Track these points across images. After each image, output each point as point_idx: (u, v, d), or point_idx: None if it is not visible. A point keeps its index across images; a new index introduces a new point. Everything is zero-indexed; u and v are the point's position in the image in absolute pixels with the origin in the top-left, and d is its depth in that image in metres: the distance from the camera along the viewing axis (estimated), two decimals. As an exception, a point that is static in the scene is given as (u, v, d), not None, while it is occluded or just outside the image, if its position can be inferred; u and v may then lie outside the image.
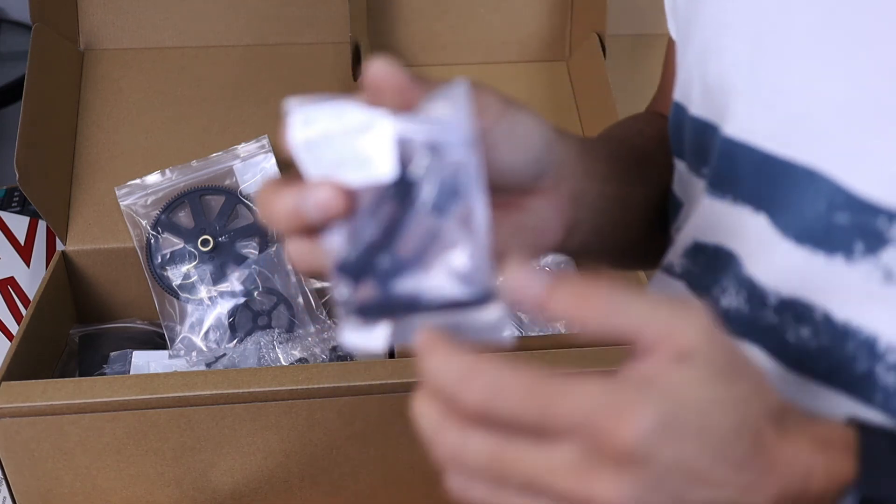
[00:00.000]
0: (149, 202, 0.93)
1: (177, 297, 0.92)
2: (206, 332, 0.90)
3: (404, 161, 0.35)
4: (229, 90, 1.02)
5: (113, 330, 0.94)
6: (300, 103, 0.36)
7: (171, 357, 0.89)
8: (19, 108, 0.88)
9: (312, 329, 0.90)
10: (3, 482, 0.76)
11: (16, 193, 1.08)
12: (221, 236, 0.93)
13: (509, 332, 0.36)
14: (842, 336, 0.42)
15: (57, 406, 0.70)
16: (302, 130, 0.36)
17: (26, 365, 0.77)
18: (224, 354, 0.87)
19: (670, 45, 0.61)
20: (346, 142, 0.35)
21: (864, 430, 0.37)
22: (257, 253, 0.92)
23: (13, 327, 0.93)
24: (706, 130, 0.50)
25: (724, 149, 0.47)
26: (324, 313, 0.93)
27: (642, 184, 0.56)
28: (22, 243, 1.01)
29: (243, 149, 0.95)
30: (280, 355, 0.87)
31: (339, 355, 0.88)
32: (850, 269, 0.41)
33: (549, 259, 0.94)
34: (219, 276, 0.91)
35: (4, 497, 0.79)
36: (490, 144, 0.40)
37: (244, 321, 0.90)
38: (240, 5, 1.05)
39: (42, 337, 0.84)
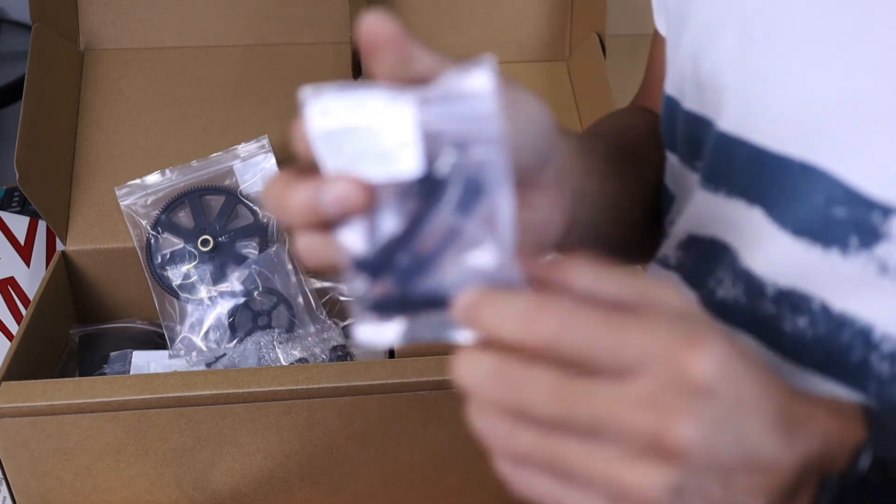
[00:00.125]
0: (149, 202, 0.93)
1: (177, 297, 0.92)
2: (206, 332, 0.90)
3: (429, 156, 0.33)
4: (229, 90, 1.02)
5: (113, 330, 0.94)
6: (316, 92, 0.33)
7: (171, 357, 0.89)
8: (19, 108, 0.88)
9: (312, 329, 0.90)
10: (3, 482, 0.76)
11: (16, 193, 1.08)
12: (221, 236, 0.93)
13: None
14: (838, 325, 0.42)
15: (57, 406, 0.70)
16: (320, 121, 0.33)
17: (26, 365, 0.77)
18: (224, 354, 0.87)
19: (656, 40, 0.61)
20: (367, 134, 0.33)
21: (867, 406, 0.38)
22: (257, 253, 0.92)
23: (13, 327, 0.93)
24: (700, 125, 0.50)
25: (719, 143, 0.47)
26: (324, 313, 0.93)
27: (637, 180, 0.56)
28: (22, 243, 1.01)
29: (243, 149, 0.95)
30: (280, 355, 0.86)
31: (339, 355, 0.88)
32: (845, 261, 0.42)
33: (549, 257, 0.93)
34: (219, 276, 0.91)
35: (4, 497, 0.79)
36: None
37: (244, 321, 0.90)
38: (240, 5, 1.05)
39: (42, 337, 0.84)
